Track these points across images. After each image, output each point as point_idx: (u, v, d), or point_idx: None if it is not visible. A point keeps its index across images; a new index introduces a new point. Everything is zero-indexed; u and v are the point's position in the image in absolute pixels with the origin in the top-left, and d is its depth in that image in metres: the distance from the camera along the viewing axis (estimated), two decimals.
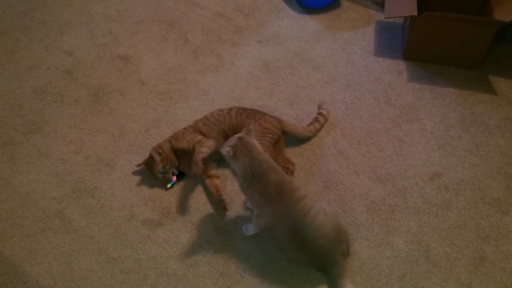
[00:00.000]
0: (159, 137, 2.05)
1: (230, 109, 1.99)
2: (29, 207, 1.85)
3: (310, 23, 2.59)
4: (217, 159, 1.94)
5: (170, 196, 1.88)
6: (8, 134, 2.09)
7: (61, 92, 2.26)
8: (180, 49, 2.45)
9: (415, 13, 2.14)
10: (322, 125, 2.07)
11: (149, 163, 1.88)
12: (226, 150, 1.53)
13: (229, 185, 1.91)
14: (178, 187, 1.91)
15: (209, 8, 2.67)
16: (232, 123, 1.93)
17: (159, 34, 2.53)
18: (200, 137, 1.89)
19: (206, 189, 1.90)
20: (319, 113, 2.07)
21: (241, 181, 1.60)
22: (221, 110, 2.00)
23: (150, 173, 1.89)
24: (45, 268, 1.69)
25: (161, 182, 1.89)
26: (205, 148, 1.83)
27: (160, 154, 1.85)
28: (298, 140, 2.03)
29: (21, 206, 1.86)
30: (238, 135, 1.57)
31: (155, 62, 2.39)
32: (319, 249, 1.56)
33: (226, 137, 1.92)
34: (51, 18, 2.63)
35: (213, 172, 1.92)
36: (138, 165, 1.90)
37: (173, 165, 1.89)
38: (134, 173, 1.95)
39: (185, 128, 1.96)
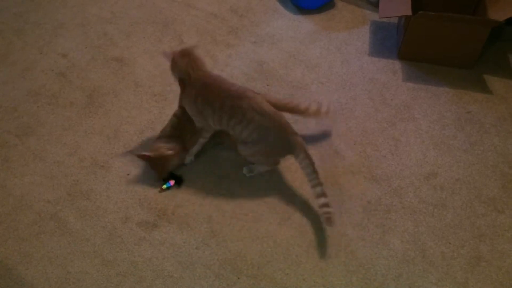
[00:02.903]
0: (154, 138, 2.03)
1: None
2: (23, 210, 1.84)
3: (305, 24, 2.59)
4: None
5: (165, 198, 1.88)
6: (2, 137, 2.08)
7: (55, 94, 2.25)
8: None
9: (409, 12, 2.14)
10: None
11: (160, 164, 1.85)
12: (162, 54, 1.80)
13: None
14: (173, 189, 1.90)
15: (203, 9, 2.67)
16: None
17: (153, 36, 2.53)
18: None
19: (204, 189, 1.90)
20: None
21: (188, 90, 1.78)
22: None
23: (169, 163, 1.87)
24: (40, 271, 1.68)
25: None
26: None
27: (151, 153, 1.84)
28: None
29: (15, 209, 1.85)
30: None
31: (150, 64, 2.38)
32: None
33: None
34: (45, 20, 2.62)
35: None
36: (159, 177, 1.90)
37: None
38: (129, 175, 1.94)
39: None
